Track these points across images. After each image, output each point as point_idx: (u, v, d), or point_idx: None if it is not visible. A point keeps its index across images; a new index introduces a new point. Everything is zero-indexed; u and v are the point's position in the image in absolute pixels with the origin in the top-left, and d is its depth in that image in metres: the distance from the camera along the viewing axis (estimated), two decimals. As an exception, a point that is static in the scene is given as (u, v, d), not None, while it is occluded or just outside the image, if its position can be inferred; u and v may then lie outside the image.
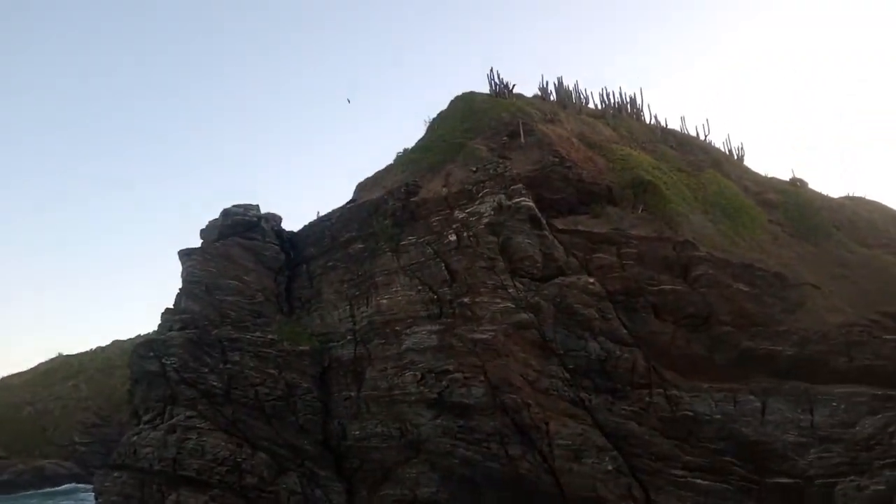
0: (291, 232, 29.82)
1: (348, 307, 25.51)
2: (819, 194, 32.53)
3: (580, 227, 25.15)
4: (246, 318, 26.74)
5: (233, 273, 27.43)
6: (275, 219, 29.51)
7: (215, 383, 25.36)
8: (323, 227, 28.41)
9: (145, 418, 26.39)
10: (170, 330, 26.83)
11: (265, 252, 28.11)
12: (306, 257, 28.28)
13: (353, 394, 24.18)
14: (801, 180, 33.59)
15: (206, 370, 25.49)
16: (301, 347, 25.34)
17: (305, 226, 29.72)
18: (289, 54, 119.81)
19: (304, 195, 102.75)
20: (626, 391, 21.26)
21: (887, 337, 21.30)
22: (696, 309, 22.40)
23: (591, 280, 22.90)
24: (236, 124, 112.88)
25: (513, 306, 22.51)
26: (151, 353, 26.53)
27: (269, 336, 25.80)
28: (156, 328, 28.94)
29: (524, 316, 22.28)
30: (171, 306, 27.90)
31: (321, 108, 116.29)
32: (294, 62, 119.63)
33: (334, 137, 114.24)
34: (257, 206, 29.18)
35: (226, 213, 28.90)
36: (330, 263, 26.98)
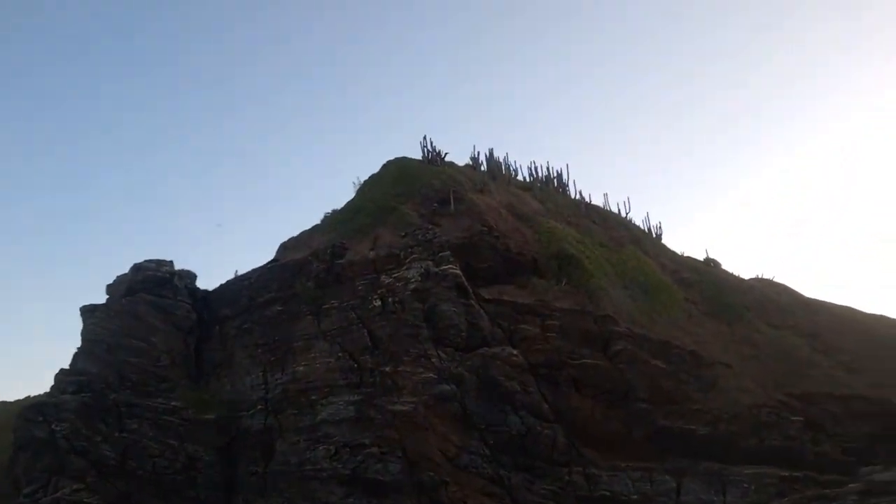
0: (206, 291, 28.44)
1: (262, 373, 24.24)
2: (731, 275, 34.07)
3: (505, 297, 25.22)
4: (148, 383, 24.94)
5: (138, 333, 25.70)
6: (189, 276, 28.13)
7: (108, 453, 23.25)
8: (241, 287, 27.24)
9: (26, 490, 23.74)
10: (63, 392, 24.66)
11: (176, 311, 26.58)
12: (220, 318, 26.91)
13: (260, 469, 22.65)
14: (714, 261, 35.16)
15: (100, 438, 23.39)
16: (206, 416, 23.70)
17: (222, 285, 28.45)
18: (220, 103, 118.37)
19: (222, 253, 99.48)
20: (546, 469, 20.94)
21: (794, 418, 22.09)
22: (614, 385, 22.60)
23: (515, 352, 22.77)
24: (152, 173, 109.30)
25: (435, 377, 22.00)
26: (40, 418, 24.18)
27: (173, 403, 24.06)
28: (48, 390, 26.58)
29: (446, 387, 21.79)
30: (67, 367, 25.78)
31: (246, 162, 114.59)
32: (229, 114, 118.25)
33: (258, 194, 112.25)
34: (171, 262, 27.77)
35: (136, 267, 27.35)
36: (245, 325, 25.74)
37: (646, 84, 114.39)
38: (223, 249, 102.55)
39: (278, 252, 29.88)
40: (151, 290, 26.68)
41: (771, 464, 20.32)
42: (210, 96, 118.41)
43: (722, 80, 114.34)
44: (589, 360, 23.01)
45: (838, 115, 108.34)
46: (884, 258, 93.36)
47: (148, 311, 26.19)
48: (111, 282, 27.70)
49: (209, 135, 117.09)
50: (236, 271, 28.72)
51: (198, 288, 28.35)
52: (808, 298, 33.22)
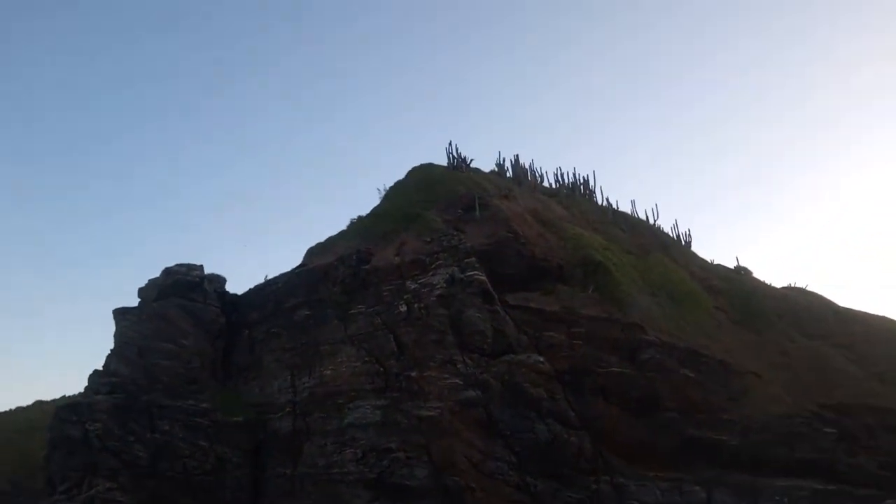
0: (235, 295, 28.83)
1: (289, 377, 24.48)
2: (762, 283, 33.48)
3: (531, 304, 25.10)
4: (179, 385, 25.33)
5: (169, 335, 26.14)
6: (218, 280, 28.53)
7: (140, 453, 23.67)
8: (268, 292, 27.57)
9: (61, 488, 24.30)
10: (96, 393, 25.17)
11: (205, 315, 26.99)
12: (249, 322, 27.26)
13: (288, 471, 22.86)
14: (745, 268, 34.60)
15: (132, 439, 23.83)
16: (235, 418, 24.01)
17: (250, 289, 28.83)
18: (251, 108, 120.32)
19: (251, 257, 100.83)
20: (573, 477, 20.76)
21: (827, 430, 21.59)
22: (642, 393, 22.33)
23: (541, 359, 22.65)
24: (185, 179, 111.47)
25: (461, 383, 21.97)
26: (74, 417, 24.73)
27: (203, 405, 24.42)
28: (82, 390, 27.15)
29: (472, 393, 21.75)
30: (101, 368, 26.30)
31: (276, 169, 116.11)
32: (255, 120, 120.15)
33: (287, 201, 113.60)
34: (201, 266, 28.22)
35: (167, 271, 27.84)
36: (273, 330, 26.04)
37: (675, 93, 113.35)
38: (253, 254, 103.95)
39: (305, 257, 30.17)
40: (182, 293, 27.12)
41: (804, 476, 19.89)
42: (242, 101, 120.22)
43: (751, 90, 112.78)
44: (616, 368, 22.79)
45: (871, 124, 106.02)
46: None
47: (178, 314, 26.62)
48: (143, 285, 28.21)
49: (240, 142, 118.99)
50: (266, 276, 29.11)
51: (227, 292, 28.72)
52: (842, 308, 32.48)
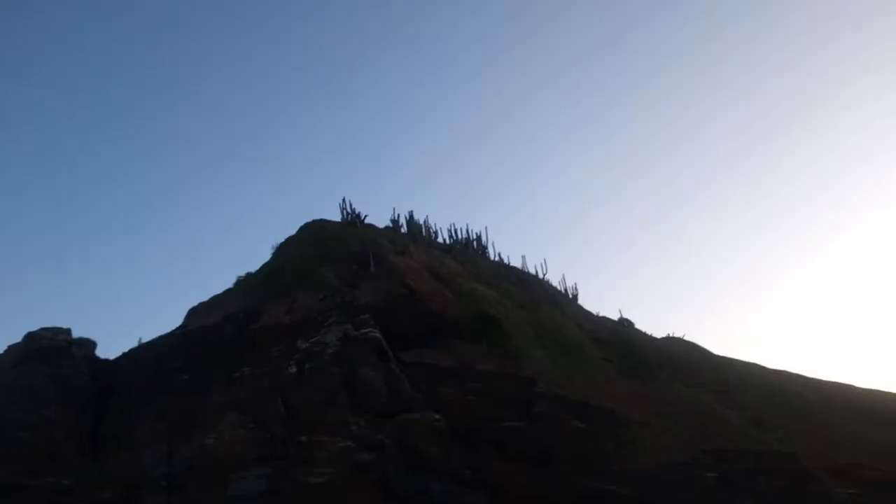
0: (107, 360, 26.72)
1: (165, 448, 22.62)
2: (644, 334, 35.24)
3: (426, 360, 24.99)
4: (39, 460, 22.76)
5: (30, 406, 23.54)
6: (88, 345, 26.36)
7: (-10, 543, 20.88)
8: (145, 355, 25.72)
9: None
10: (-60, 474, 22.12)
11: (72, 382, 24.62)
12: (122, 389, 25.15)
13: (163, 551, 20.88)
14: (628, 320, 36.32)
15: (-21, 525, 21.02)
16: (103, 496, 21.76)
17: (124, 353, 26.88)
18: (129, 161, 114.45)
19: (125, 318, 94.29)
20: (469, 537, 20.33)
21: (708, 475, 22.57)
22: (536, 447, 22.45)
23: (437, 416, 22.34)
24: (48, 233, 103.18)
25: (354, 445, 21.14)
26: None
27: (65, 481, 21.98)
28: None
29: (366, 456, 20.94)
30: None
31: (152, 223, 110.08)
32: (133, 174, 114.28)
33: (164, 258, 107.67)
34: (68, 329, 25.96)
35: (30, 336, 25.36)
36: (149, 397, 24.11)
37: (561, 147, 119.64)
38: (126, 315, 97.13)
39: (186, 318, 28.60)
40: (47, 359, 24.73)
41: (687, 522, 20.55)
42: (115, 149, 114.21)
43: (630, 144, 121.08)
44: (510, 423, 22.88)
45: (735, 165, 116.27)
46: (786, 311, 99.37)
47: (42, 382, 24.17)
48: (2, 351, 25.61)
49: (115, 196, 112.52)
50: (140, 339, 27.33)
51: (98, 357, 26.57)
52: (716, 356, 34.70)
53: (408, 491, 20.77)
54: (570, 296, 37.34)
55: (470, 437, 22.38)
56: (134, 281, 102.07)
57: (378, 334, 24.02)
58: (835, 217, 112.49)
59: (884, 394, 33.66)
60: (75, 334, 26.22)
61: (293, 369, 22.82)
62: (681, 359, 32.05)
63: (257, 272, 30.57)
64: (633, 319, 36.60)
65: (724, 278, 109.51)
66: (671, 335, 36.40)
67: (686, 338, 36.20)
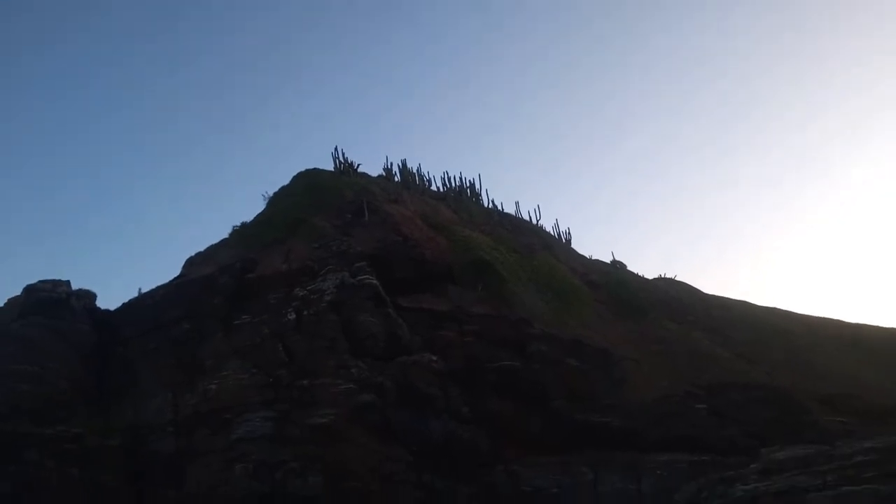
0: (107, 311, 26.88)
1: (170, 395, 23.11)
2: (636, 275, 35.66)
3: (423, 305, 25.40)
4: (46, 411, 23.19)
5: (32, 358, 23.84)
6: (88, 296, 26.52)
7: (3, 489, 21.42)
8: (144, 306, 25.92)
9: None
10: (-52, 426, 22.57)
11: (74, 334, 24.91)
12: (123, 340, 25.49)
13: (171, 493, 21.52)
14: (620, 262, 36.71)
15: (-7, 473, 21.54)
16: (110, 443, 22.30)
17: (124, 304, 27.01)
18: (127, 107, 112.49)
19: (124, 270, 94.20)
20: (469, 471, 21.09)
21: (699, 406, 23.39)
22: (531, 385, 23.13)
23: (434, 358, 22.89)
24: (46, 179, 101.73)
25: (355, 388, 21.70)
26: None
27: (73, 430, 22.44)
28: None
29: (366, 397, 21.53)
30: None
31: (148, 175, 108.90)
32: (126, 122, 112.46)
33: (162, 208, 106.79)
34: (67, 281, 26.07)
35: (29, 289, 25.50)
36: (151, 346, 24.48)
37: (551, 96, 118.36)
38: (125, 266, 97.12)
39: (184, 268, 28.76)
40: (47, 312, 24.94)
41: (680, 450, 21.36)
42: (113, 99, 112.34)
43: (628, 93, 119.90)
44: (506, 363, 23.47)
45: (735, 115, 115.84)
46: (770, 255, 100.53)
47: (43, 334, 24.44)
48: (1, 305, 25.82)
49: (107, 147, 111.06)
50: (139, 289, 27.44)
51: (98, 308, 26.73)
52: (707, 294, 35.23)
53: (408, 429, 21.43)
54: (564, 240, 37.61)
55: (467, 377, 22.98)
56: (131, 232, 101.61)
57: (374, 281, 24.33)
58: (829, 158, 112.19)
59: (872, 328, 34.37)
60: (74, 286, 26.33)
61: (292, 316, 23.17)
62: (672, 298, 32.57)
63: (252, 222, 30.61)
64: (625, 261, 37.06)
65: (714, 221, 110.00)
66: (663, 276, 36.87)
67: (677, 278, 36.73)
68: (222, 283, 24.96)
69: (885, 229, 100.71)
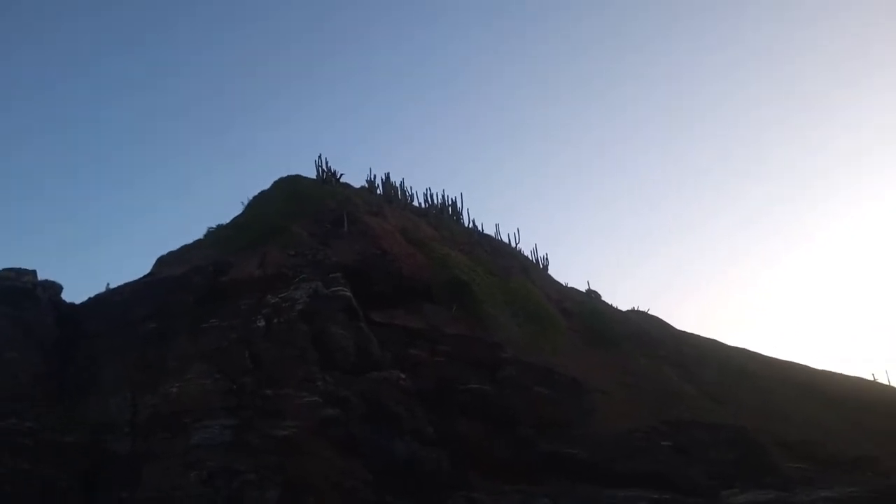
0: (73, 304, 26.34)
1: (130, 395, 22.58)
2: (610, 306, 35.87)
3: (396, 322, 25.18)
4: (2, 402, 22.54)
5: (-9, 348, 23.28)
6: (53, 288, 25.92)
7: (-53, 482, 20.67)
8: (112, 302, 25.37)
9: None
10: None
11: (37, 325, 24.31)
12: (88, 335, 24.90)
13: (124, 495, 20.91)
14: (595, 292, 36.91)
15: (-62, 465, 20.76)
16: (66, 439, 21.68)
17: (91, 299, 26.48)
18: (105, 99, 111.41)
19: (92, 264, 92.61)
20: (430, 493, 20.74)
21: (664, 443, 23.35)
22: (501, 410, 22.92)
23: (403, 376, 22.62)
24: (17, 174, 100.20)
25: (320, 400, 21.32)
26: None
27: (27, 424, 21.81)
28: None
29: (331, 411, 21.15)
30: None
31: (124, 174, 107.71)
32: (104, 124, 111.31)
33: (135, 204, 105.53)
34: (34, 271, 25.50)
35: (-7, 277, 24.90)
36: (116, 343, 23.95)
37: (539, 120, 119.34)
38: (94, 261, 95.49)
39: (155, 266, 28.25)
40: (10, 301, 24.33)
41: (643, 486, 21.21)
42: (97, 90, 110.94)
43: (605, 113, 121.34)
44: (476, 386, 23.28)
45: (716, 150, 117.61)
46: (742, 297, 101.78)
47: (5, 324, 23.84)
48: (-39, 292, 25.01)
49: (85, 138, 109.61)
50: (108, 284, 26.94)
51: (63, 301, 26.18)
52: (678, 330, 35.51)
53: (371, 446, 21.07)
54: (541, 266, 37.73)
55: (436, 398, 22.74)
56: (104, 227, 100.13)
57: (348, 293, 24.07)
58: (801, 204, 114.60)
59: (837, 375, 34.91)
60: (41, 277, 25.74)
61: (261, 323, 22.77)
62: (644, 332, 32.75)
63: (228, 225, 30.24)
64: (599, 292, 37.28)
65: (691, 257, 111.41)
66: (636, 308, 37.13)
67: (650, 312, 37.01)
68: (194, 283, 24.55)
69: (855, 279, 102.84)
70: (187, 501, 19.97)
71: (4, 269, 25.19)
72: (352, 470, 20.60)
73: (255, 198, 32.52)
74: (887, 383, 37.01)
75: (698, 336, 35.34)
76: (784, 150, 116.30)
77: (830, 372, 35.24)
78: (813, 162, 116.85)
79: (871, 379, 37.10)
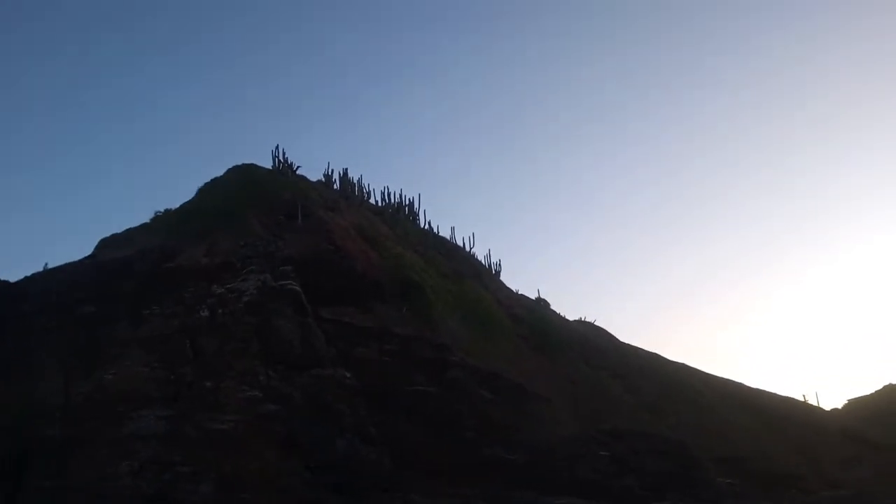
0: (6, 282, 25.24)
1: (64, 379, 21.74)
2: (557, 315, 36.30)
3: (345, 319, 24.90)
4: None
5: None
6: (-14, 265, 24.83)
7: None
8: (49, 282, 24.42)
9: None
10: None
11: (-36, 302, 23.25)
12: (21, 314, 23.88)
13: (51, 483, 20.08)
14: (544, 300, 37.32)
15: None
16: (-8, 422, 20.75)
17: (26, 277, 25.40)
18: (62, 85, 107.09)
19: (30, 241, 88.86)
20: (367, 494, 20.60)
21: (602, 452, 23.79)
22: (444, 412, 22.96)
23: (348, 374, 22.40)
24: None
25: (261, 395, 20.92)
26: None
27: (-51, 406, 20.83)
28: None
29: (272, 407, 20.77)
30: None
31: (69, 152, 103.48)
32: (55, 107, 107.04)
33: (78, 184, 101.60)
34: (-34, 248, 24.36)
35: (-80, 249, 23.65)
36: (51, 325, 23.04)
37: (505, 127, 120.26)
38: (31, 238, 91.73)
39: (97, 248, 27.31)
40: (-61, 278, 23.18)
41: (580, 495, 21.59)
42: (54, 75, 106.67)
43: (577, 132, 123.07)
44: (421, 387, 23.27)
45: (663, 161, 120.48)
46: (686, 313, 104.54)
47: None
48: None
49: (35, 123, 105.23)
50: (46, 264, 25.91)
51: (-2, 279, 25.12)
52: (622, 342, 36.16)
53: (311, 444, 20.76)
54: (494, 271, 37.95)
55: (381, 397, 22.59)
56: (44, 203, 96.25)
57: (297, 287, 23.70)
58: (731, 223, 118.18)
59: (771, 395, 36.15)
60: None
61: (205, 313, 22.22)
62: (589, 341, 33.29)
63: (177, 210, 29.42)
64: (548, 300, 37.73)
65: (640, 271, 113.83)
66: (583, 318, 37.70)
67: (596, 323, 37.64)
68: (137, 268, 23.85)
69: (790, 302, 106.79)
70: (116, 492, 19.31)
71: (-67, 242, 23.97)
72: (290, 467, 20.27)
73: (206, 184, 31.70)
74: (816, 405, 38.53)
75: (641, 349, 36.10)
76: (711, 163, 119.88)
77: (765, 391, 36.47)
78: (733, 178, 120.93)
79: (802, 399, 38.55)
